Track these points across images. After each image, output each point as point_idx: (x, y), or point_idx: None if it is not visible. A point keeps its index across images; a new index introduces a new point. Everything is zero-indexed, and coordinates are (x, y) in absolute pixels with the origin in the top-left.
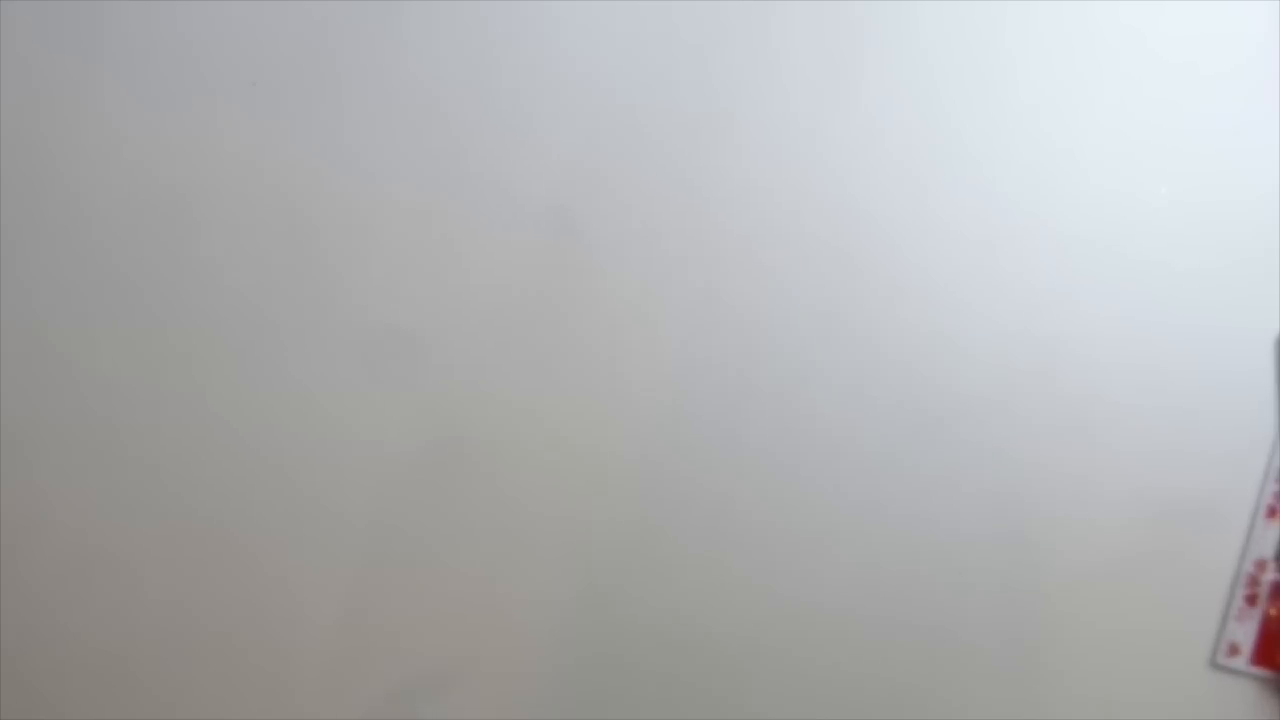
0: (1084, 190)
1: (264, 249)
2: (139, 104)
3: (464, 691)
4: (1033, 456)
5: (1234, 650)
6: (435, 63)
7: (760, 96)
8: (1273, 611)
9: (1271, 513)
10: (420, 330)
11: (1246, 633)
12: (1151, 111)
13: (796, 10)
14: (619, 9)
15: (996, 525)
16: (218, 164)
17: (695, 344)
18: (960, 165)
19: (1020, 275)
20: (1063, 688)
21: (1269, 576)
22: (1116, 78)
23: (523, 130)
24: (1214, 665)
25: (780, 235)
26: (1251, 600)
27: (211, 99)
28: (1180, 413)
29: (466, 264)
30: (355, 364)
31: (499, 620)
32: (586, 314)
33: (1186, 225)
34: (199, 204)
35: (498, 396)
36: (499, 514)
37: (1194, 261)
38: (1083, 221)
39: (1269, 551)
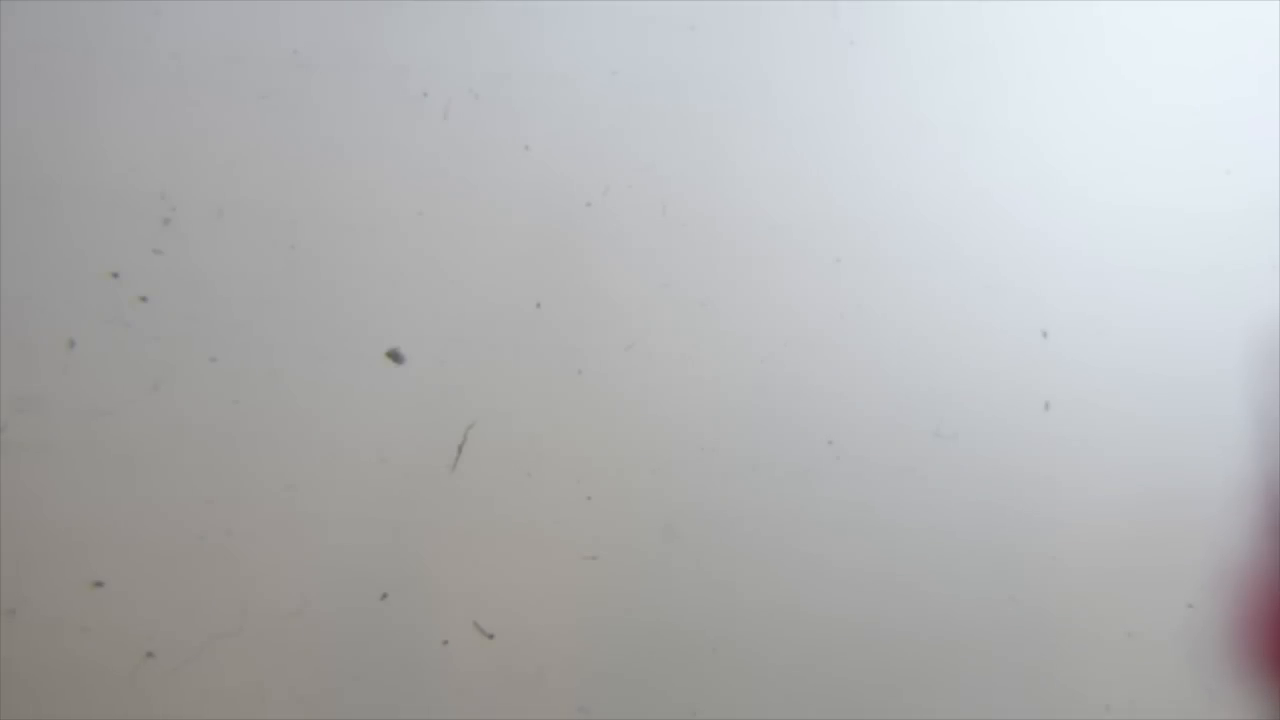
0: (1084, 196)
1: (259, 252)
2: (132, 107)
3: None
4: (1028, 465)
5: (1230, 649)
6: (431, 65)
7: (758, 100)
8: (1265, 610)
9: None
10: (418, 336)
11: (1240, 631)
12: (1143, 112)
13: (788, 10)
14: (616, 9)
15: (995, 533)
16: (211, 167)
17: (694, 351)
18: (956, 170)
19: (1017, 281)
20: (1062, 690)
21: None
22: (1110, 77)
23: (518, 134)
24: (1209, 664)
25: (778, 245)
26: (1244, 599)
27: (207, 102)
28: (1178, 418)
29: (464, 269)
30: (353, 369)
31: (501, 629)
32: (584, 319)
33: (1186, 227)
34: (192, 208)
35: (498, 405)
36: (501, 523)
37: (1193, 263)
38: (1082, 228)
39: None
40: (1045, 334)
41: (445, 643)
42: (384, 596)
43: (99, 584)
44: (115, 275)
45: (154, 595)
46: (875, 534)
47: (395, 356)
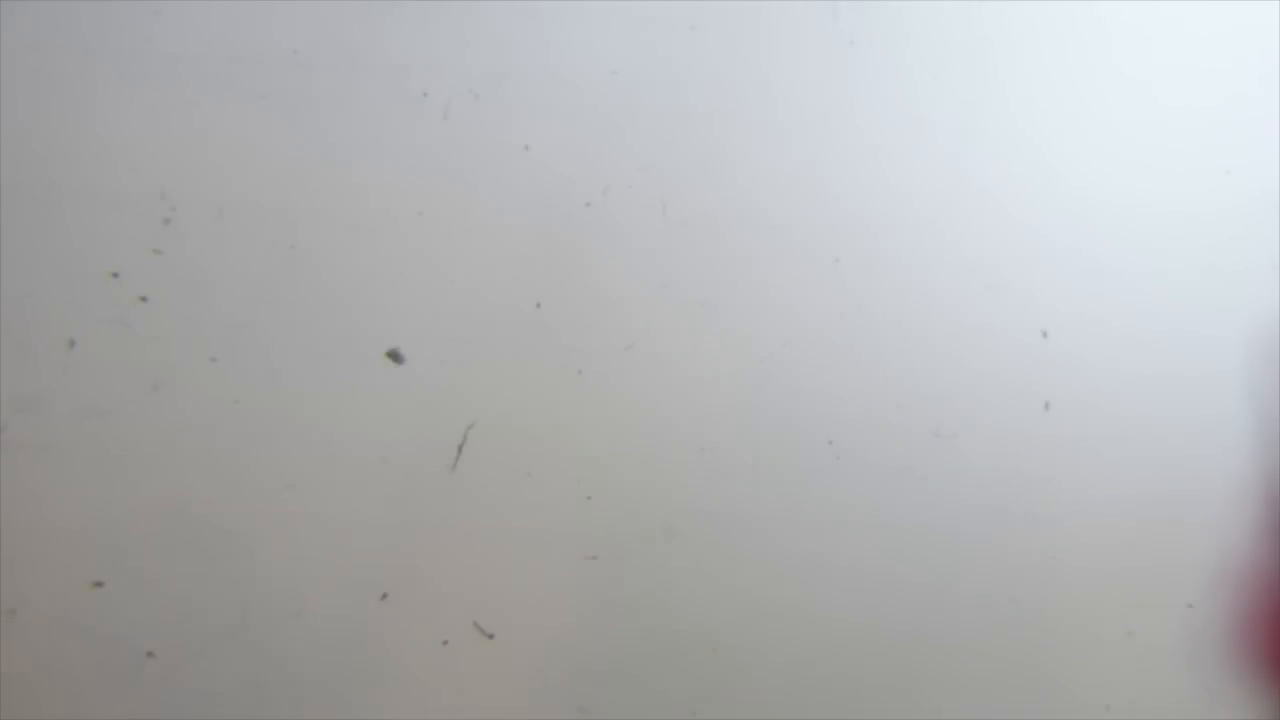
0: (1084, 196)
1: (259, 252)
2: (132, 107)
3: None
4: (1028, 465)
5: (1230, 649)
6: (431, 65)
7: (758, 100)
8: (1265, 610)
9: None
10: (418, 336)
11: (1240, 631)
12: (1143, 112)
13: (788, 10)
14: (616, 9)
15: (995, 533)
16: (211, 168)
17: (694, 351)
18: (956, 170)
19: (1017, 281)
20: (1062, 690)
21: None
22: (1110, 77)
23: (518, 134)
24: (1209, 664)
25: (778, 245)
26: (1244, 599)
27: (207, 102)
28: (1178, 418)
29: (464, 269)
30: (353, 369)
31: (501, 629)
32: (584, 319)
33: (1186, 227)
34: (192, 208)
35: (498, 405)
36: (501, 523)
37: (1193, 263)
38: (1082, 228)
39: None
40: (1045, 334)
41: (445, 643)
42: (384, 596)
43: (99, 584)
44: (115, 275)
45: (154, 595)
46: (875, 534)
47: (395, 356)
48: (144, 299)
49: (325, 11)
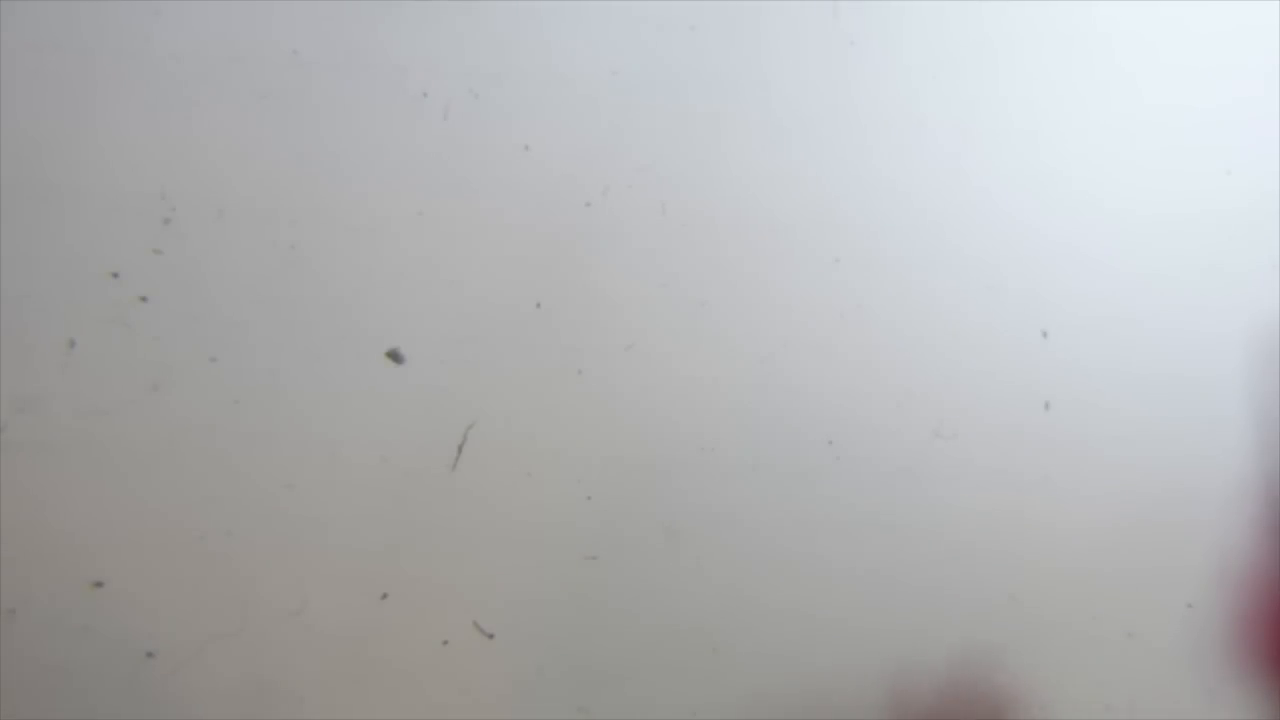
0: (1084, 196)
1: (259, 252)
2: (132, 107)
3: (458, 698)
4: (1028, 465)
5: (1230, 649)
6: (431, 65)
7: (758, 100)
8: (1265, 610)
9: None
10: (418, 336)
11: (1240, 631)
12: (1144, 113)
13: (788, 10)
14: (616, 9)
15: (994, 533)
16: (211, 168)
17: (694, 351)
18: (956, 170)
19: (1017, 281)
20: (1062, 690)
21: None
22: (1110, 77)
23: (518, 134)
24: (1209, 664)
25: (778, 245)
26: (1244, 599)
27: (206, 102)
28: (1178, 418)
29: (464, 269)
30: (353, 369)
31: (501, 629)
32: (584, 319)
33: (1186, 227)
34: (192, 208)
35: (498, 405)
36: (501, 523)
37: (1193, 263)
38: (1082, 228)
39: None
40: (1045, 334)
41: (445, 643)
42: (384, 596)
43: (99, 584)
44: (115, 275)
45: (154, 595)
46: (875, 534)
47: (395, 356)
48: (144, 299)
49: (325, 11)
